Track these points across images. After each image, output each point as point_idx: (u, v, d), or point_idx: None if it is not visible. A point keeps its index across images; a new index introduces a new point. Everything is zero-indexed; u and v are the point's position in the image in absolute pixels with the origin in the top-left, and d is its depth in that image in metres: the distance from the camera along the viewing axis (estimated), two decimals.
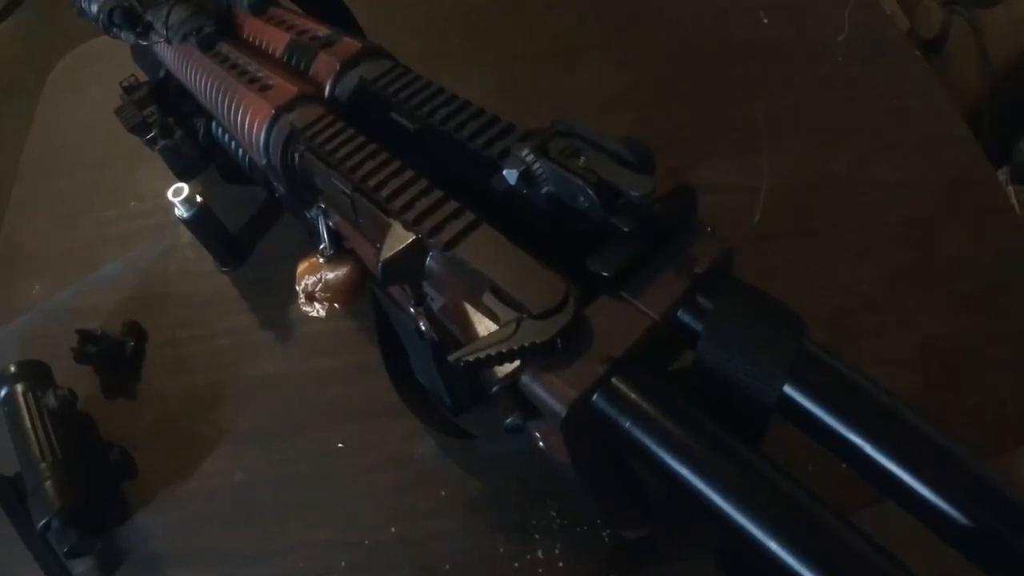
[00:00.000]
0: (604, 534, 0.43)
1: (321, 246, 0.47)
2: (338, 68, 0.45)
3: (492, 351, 0.28)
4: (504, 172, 0.33)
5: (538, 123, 0.35)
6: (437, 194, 0.35)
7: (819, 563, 0.22)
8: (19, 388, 0.52)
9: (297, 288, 0.57)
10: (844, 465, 0.27)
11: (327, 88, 0.45)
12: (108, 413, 0.56)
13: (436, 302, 0.36)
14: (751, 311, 0.28)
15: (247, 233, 0.64)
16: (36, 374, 0.54)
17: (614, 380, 0.28)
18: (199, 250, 0.62)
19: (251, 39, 0.52)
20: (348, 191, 0.38)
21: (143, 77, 0.62)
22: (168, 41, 0.54)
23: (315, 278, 0.56)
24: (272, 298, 0.59)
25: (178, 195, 0.56)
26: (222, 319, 0.60)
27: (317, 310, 0.57)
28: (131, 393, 0.57)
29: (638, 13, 0.74)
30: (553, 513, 0.45)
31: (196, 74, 0.53)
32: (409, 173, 0.37)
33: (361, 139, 0.40)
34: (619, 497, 0.37)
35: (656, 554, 0.42)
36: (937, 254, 0.54)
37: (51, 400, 0.51)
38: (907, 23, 1.03)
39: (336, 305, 0.57)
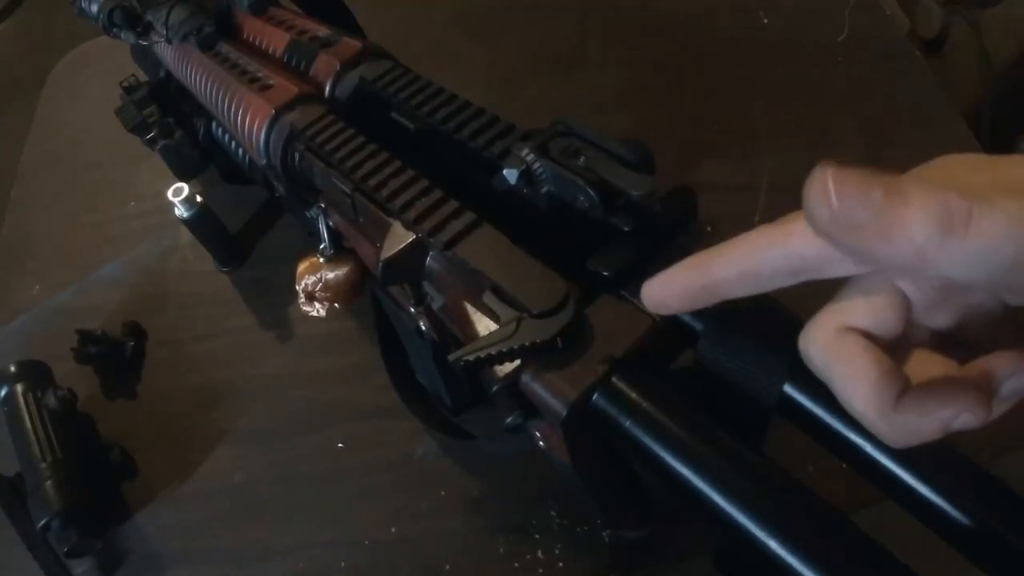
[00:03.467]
0: (604, 534, 0.43)
1: (321, 246, 0.47)
2: (338, 68, 0.45)
3: (492, 350, 0.28)
4: (504, 172, 0.33)
5: (538, 123, 0.35)
6: (437, 194, 0.35)
7: (819, 563, 0.22)
8: (19, 388, 0.52)
9: (297, 288, 0.57)
10: (844, 465, 0.27)
11: (327, 88, 0.45)
12: (108, 413, 0.56)
13: (436, 302, 0.36)
14: (751, 311, 0.28)
15: (247, 233, 0.64)
16: (36, 374, 0.54)
17: (614, 380, 0.28)
18: (199, 250, 0.62)
19: (251, 39, 0.52)
20: (348, 191, 0.38)
21: (143, 77, 0.62)
22: (168, 41, 0.54)
23: (315, 278, 0.56)
24: (272, 298, 0.59)
25: (178, 195, 0.56)
26: (222, 319, 0.60)
27: (317, 310, 0.57)
28: (131, 393, 0.57)
29: (638, 13, 0.74)
30: (553, 513, 0.45)
31: (196, 74, 0.53)
32: (409, 173, 0.37)
33: (361, 139, 0.40)
34: (619, 497, 0.37)
35: (656, 554, 0.42)
36: None
37: (51, 400, 0.51)
38: (907, 23, 1.03)
39: (336, 305, 0.57)
